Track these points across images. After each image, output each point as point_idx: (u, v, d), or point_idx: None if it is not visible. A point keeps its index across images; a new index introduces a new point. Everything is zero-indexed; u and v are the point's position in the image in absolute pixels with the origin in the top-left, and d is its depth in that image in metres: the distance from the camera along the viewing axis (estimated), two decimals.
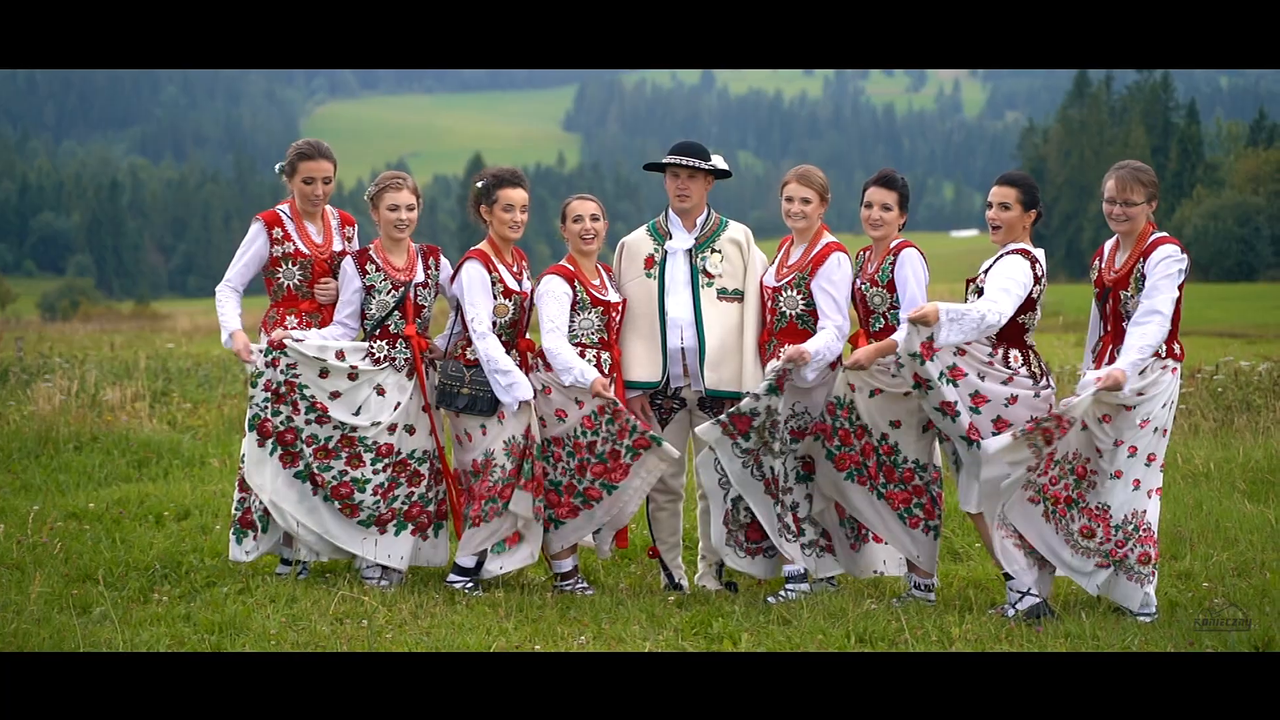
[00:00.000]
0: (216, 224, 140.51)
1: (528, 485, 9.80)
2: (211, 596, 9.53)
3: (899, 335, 9.37)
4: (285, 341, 9.85)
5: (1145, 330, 9.14)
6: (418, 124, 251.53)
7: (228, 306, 10.21)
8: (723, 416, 9.59)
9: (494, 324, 9.94)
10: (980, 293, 9.45)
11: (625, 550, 10.71)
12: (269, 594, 9.54)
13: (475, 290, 9.95)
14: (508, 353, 9.92)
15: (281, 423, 9.90)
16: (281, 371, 9.86)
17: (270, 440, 9.90)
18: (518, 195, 10.08)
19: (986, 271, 9.51)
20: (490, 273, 9.97)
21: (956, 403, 9.25)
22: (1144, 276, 9.26)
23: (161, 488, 13.33)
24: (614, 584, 10.43)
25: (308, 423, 9.91)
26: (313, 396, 9.89)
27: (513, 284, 10.03)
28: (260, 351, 9.91)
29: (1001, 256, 9.51)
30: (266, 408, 9.90)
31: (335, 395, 9.92)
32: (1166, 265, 9.23)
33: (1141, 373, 9.19)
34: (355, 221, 10.58)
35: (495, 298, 9.96)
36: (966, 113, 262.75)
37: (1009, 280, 9.33)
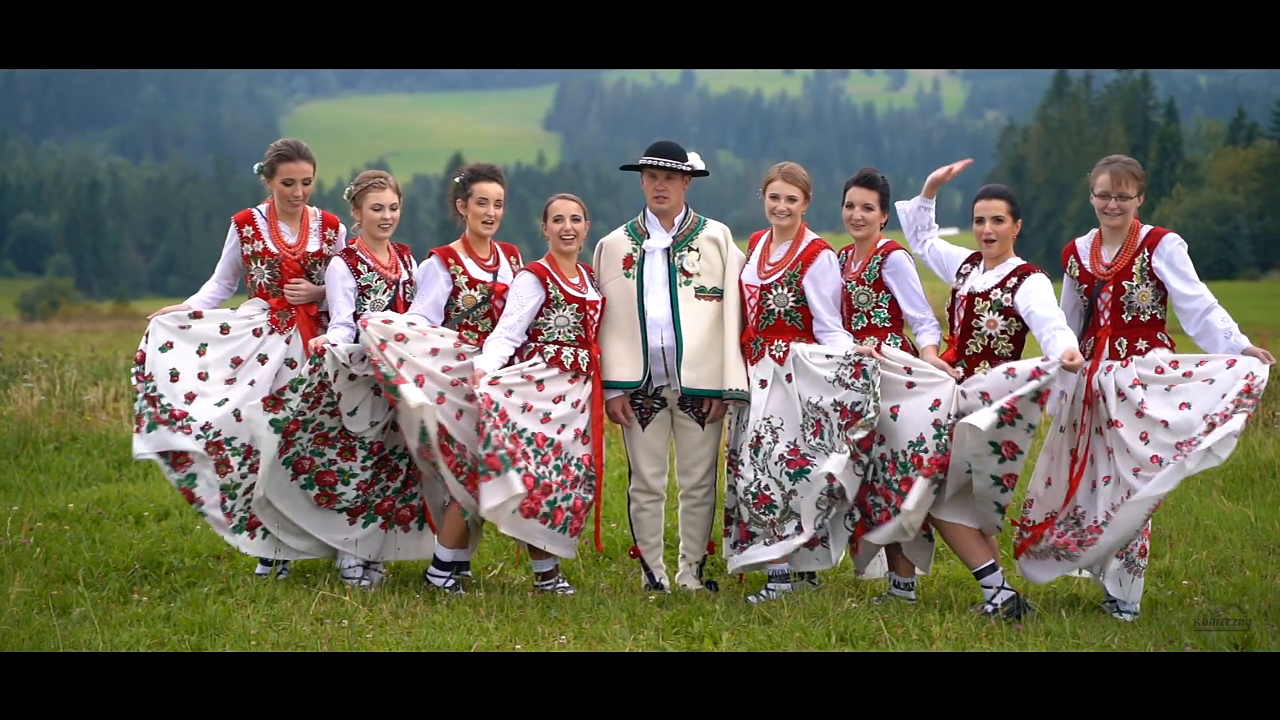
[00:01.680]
0: (196, 224, 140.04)
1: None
2: (192, 597, 9.52)
3: (1025, 370, 9.28)
4: (325, 347, 9.79)
5: (1221, 314, 9.38)
6: (398, 123, 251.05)
7: (203, 288, 10.40)
8: (853, 438, 9.50)
9: (467, 314, 10.00)
10: (1001, 310, 9.50)
11: (603, 550, 10.70)
12: (249, 594, 9.53)
13: (420, 283, 10.16)
14: (481, 342, 10.00)
15: (293, 414, 9.83)
16: (319, 376, 9.80)
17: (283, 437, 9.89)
18: (491, 190, 10.09)
19: (1006, 291, 9.48)
20: (447, 268, 10.04)
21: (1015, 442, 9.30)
22: (1150, 268, 9.40)
23: (141, 488, 13.31)
24: (594, 584, 10.43)
25: (321, 412, 9.86)
26: (331, 395, 9.86)
27: (479, 274, 10.06)
28: (307, 361, 9.86)
29: (1024, 277, 9.52)
30: (303, 410, 9.83)
31: (337, 397, 9.90)
32: (1180, 252, 9.47)
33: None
34: (338, 223, 10.53)
35: (460, 288, 9.99)
36: (946, 112, 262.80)
37: (1052, 299, 9.46)
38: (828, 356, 9.69)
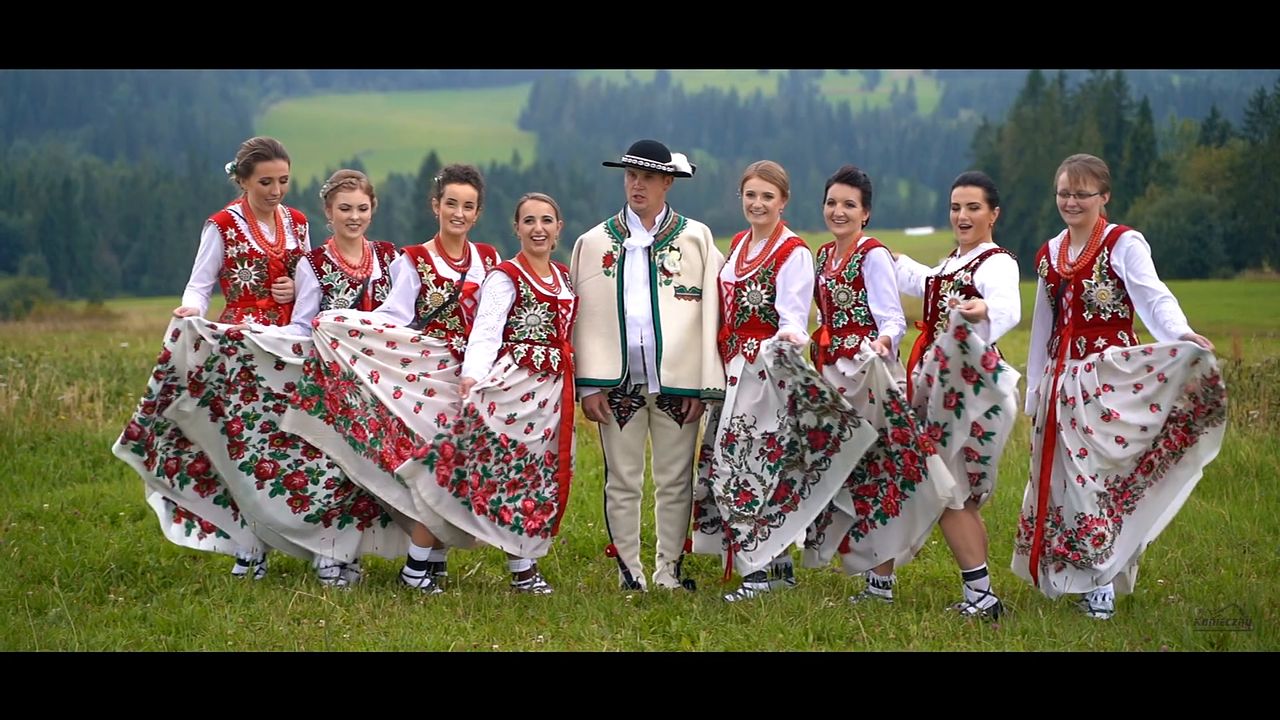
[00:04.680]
0: (170, 223, 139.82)
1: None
2: (168, 597, 9.49)
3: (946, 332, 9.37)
4: (242, 333, 9.82)
5: (1170, 308, 9.30)
6: (372, 122, 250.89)
7: (186, 296, 10.17)
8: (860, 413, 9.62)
9: (436, 313, 10.02)
10: (965, 290, 9.49)
11: (558, 533, 10.57)
12: (226, 594, 9.51)
13: (391, 280, 10.18)
14: (451, 340, 10.05)
15: (230, 411, 9.86)
16: (238, 360, 9.82)
17: (220, 420, 9.86)
18: (461, 191, 10.10)
19: (970, 270, 9.52)
20: (415, 266, 10.06)
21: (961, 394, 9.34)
22: (1109, 267, 9.39)
23: (117, 488, 13.28)
24: (572, 583, 10.43)
25: (265, 410, 9.87)
26: (269, 387, 9.87)
27: (446, 272, 10.08)
28: (216, 339, 9.84)
29: (987, 257, 9.54)
30: (220, 387, 9.84)
31: (290, 388, 9.88)
32: (1139, 249, 9.43)
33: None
34: (306, 219, 10.57)
35: (428, 287, 10.01)
36: (921, 111, 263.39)
37: (1012, 279, 9.47)
38: (767, 347, 9.74)
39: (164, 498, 10.19)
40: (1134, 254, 9.41)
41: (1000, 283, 9.40)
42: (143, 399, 9.98)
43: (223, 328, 9.91)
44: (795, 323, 9.82)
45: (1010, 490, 13.25)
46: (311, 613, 9.14)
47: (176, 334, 9.85)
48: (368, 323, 9.89)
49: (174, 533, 10.29)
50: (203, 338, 9.83)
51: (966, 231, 9.67)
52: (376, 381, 9.86)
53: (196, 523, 10.26)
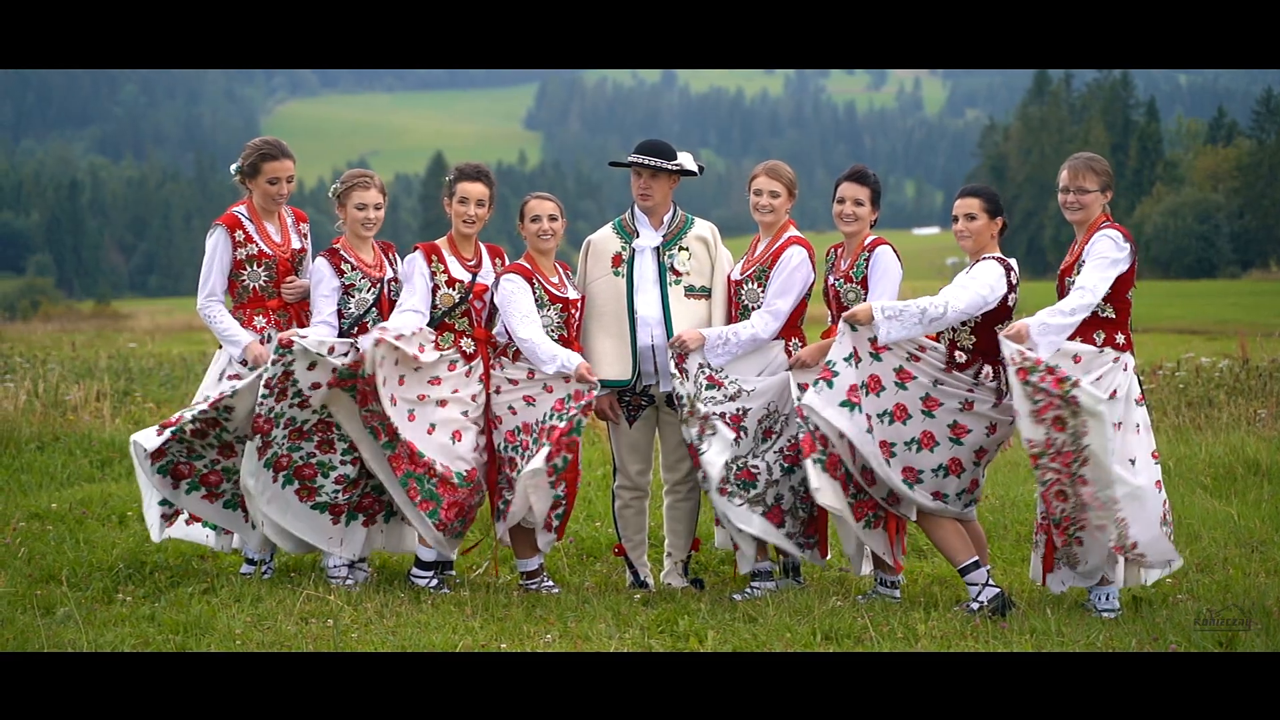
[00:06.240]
0: (177, 223, 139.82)
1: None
2: (176, 597, 9.50)
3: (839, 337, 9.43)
4: (294, 340, 9.76)
5: (1068, 298, 9.16)
6: (378, 123, 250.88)
7: (226, 319, 10.13)
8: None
9: (446, 313, 10.01)
10: None
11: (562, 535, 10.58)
12: (234, 594, 9.51)
13: (406, 279, 10.11)
14: (459, 341, 10.04)
15: (264, 411, 9.82)
16: (281, 366, 9.79)
17: (257, 435, 9.87)
18: (472, 189, 10.09)
19: None
20: (429, 264, 10.03)
21: (907, 406, 9.31)
22: (1084, 263, 9.32)
23: (125, 487, 13.27)
24: (579, 582, 10.44)
25: (290, 406, 9.85)
26: (301, 388, 9.84)
27: (459, 273, 10.06)
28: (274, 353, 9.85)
29: (977, 264, 9.53)
30: (263, 404, 9.82)
31: (315, 386, 9.86)
32: (1101, 248, 9.27)
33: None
34: (308, 218, 10.59)
35: (440, 286, 10.00)
36: (927, 110, 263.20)
37: (971, 279, 9.38)
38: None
39: (160, 500, 10.19)
40: (1096, 247, 9.27)
41: (953, 286, 9.41)
42: (188, 425, 9.94)
43: (274, 339, 9.95)
44: (758, 318, 9.84)
45: (1016, 490, 13.25)
46: (319, 612, 9.14)
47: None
48: (423, 349, 9.86)
49: (175, 531, 10.34)
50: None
51: (966, 242, 9.67)
52: (395, 405, 9.82)
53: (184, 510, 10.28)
